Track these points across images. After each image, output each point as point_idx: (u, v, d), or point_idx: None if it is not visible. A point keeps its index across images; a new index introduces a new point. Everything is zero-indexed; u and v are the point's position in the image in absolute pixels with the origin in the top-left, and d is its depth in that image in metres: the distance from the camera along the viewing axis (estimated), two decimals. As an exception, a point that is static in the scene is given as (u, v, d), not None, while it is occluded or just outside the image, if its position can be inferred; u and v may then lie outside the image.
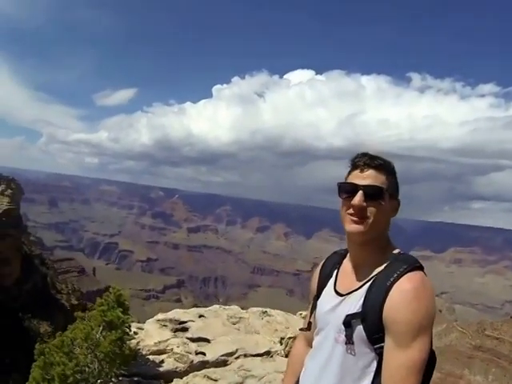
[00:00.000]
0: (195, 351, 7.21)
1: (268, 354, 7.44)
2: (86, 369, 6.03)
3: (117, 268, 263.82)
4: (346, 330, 1.96)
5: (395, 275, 1.89)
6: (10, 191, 63.03)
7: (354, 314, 1.95)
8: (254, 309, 9.61)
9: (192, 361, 6.90)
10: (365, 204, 1.99)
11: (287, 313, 9.67)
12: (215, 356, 7.12)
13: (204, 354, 7.18)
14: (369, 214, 1.99)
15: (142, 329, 7.81)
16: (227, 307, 9.75)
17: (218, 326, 8.37)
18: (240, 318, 8.89)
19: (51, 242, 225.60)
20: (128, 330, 6.39)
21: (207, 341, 7.68)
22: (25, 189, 76.61)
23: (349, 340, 1.95)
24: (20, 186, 68.53)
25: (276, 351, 7.58)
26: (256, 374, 6.69)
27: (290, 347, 7.51)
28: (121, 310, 6.31)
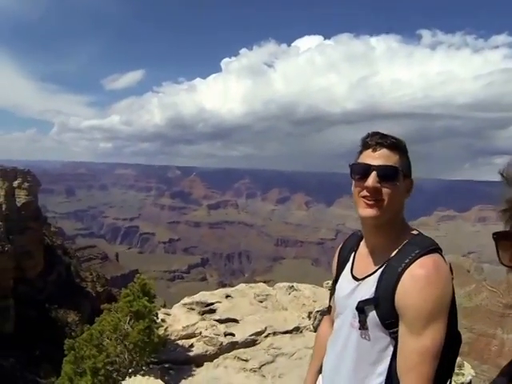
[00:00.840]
0: (224, 333, 7.25)
1: (297, 329, 7.47)
2: (117, 359, 6.14)
3: (139, 252, 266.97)
4: (359, 316, 1.96)
5: (407, 260, 1.85)
6: (26, 184, 63.74)
7: (366, 300, 1.94)
8: (281, 284, 9.61)
9: (221, 343, 6.95)
10: (379, 185, 1.93)
11: (314, 286, 9.65)
12: (244, 336, 7.16)
13: (233, 334, 7.22)
14: (383, 196, 1.93)
15: (169, 314, 7.87)
16: (253, 285, 9.76)
17: (246, 305, 8.40)
18: (267, 295, 8.90)
19: (72, 230, 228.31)
20: (155, 318, 6.48)
21: (235, 321, 7.72)
22: (41, 180, 77.44)
23: (362, 325, 1.95)
24: (36, 177, 69.28)
25: (305, 326, 7.61)
26: (286, 351, 6.76)
27: (319, 321, 7.56)
28: (146, 298, 6.39)
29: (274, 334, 7.31)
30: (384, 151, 1.97)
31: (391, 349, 1.91)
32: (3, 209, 56.64)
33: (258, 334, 7.26)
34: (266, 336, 7.25)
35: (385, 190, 1.93)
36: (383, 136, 2.00)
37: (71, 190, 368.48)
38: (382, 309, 1.88)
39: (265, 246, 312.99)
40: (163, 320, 7.04)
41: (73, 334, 38.85)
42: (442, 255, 1.90)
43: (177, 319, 7.62)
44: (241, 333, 7.27)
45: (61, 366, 6.69)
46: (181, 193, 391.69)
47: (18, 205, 61.38)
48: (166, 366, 6.46)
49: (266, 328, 7.36)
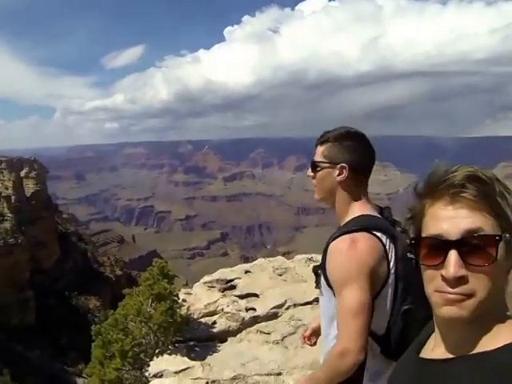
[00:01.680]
0: (245, 308, 7.56)
1: (317, 300, 7.76)
2: (143, 341, 6.60)
3: (156, 231, 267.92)
4: (315, 278, 2.60)
5: (333, 237, 2.42)
6: (34, 173, 64.19)
7: (317, 265, 2.56)
8: (299, 256, 9.86)
9: (243, 318, 7.29)
10: (312, 174, 2.62)
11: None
12: (265, 310, 7.47)
13: (254, 309, 7.52)
14: (315, 183, 2.62)
15: (191, 293, 8.25)
16: (272, 259, 10.06)
17: (265, 279, 8.67)
18: (286, 268, 9.15)
19: (85, 216, 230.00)
20: (176, 299, 6.91)
21: (256, 296, 8.01)
22: (48, 167, 78.00)
23: (317, 285, 2.57)
24: (43, 165, 69.74)
25: (325, 297, 7.90)
26: (307, 322, 7.05)
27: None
28: (166, 280, 6.83)
29: (295, 306, 7.62)
30: (317, 148, 2.64)
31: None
32: (13, 200, 57.11)
33: (279, 306, 7.56)
34: (287, 308, 7.56)
35: (315, 179, 2.62)
36: (321, 136, 2.63)
37: (80, 174, 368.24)
38: (325, 274, 2.44)
39: (285, 215, 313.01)
40: (184, 300, 7.46)
41: (96, 319, 39.62)
42: (371, 233, 2.37)
43: (198, 298, 7.97)
44: (262, 307, 7.57)
45: (87, 353, 7.18)
46: (194, 167, 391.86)
47: (28, 195, 61.96)
48: (191, 343, 6.85)
49: (286, 301, 7.65)
